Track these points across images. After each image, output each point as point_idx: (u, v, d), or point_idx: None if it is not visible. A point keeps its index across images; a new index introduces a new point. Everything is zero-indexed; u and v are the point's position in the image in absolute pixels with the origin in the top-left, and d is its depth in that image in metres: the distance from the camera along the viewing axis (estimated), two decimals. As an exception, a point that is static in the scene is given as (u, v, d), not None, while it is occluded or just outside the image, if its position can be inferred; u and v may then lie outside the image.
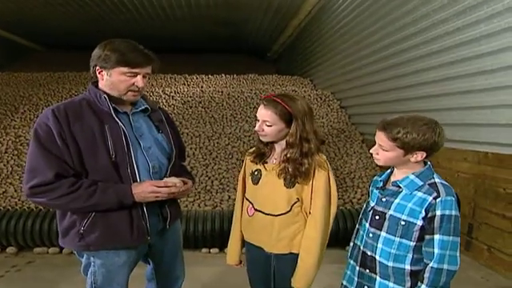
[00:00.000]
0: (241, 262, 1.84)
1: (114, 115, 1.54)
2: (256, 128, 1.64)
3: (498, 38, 3.06)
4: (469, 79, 3.43)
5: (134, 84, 1.56)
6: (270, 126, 1.59)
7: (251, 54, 12.50)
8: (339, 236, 3.38)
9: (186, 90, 6.90)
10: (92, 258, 1.60)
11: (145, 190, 1.51)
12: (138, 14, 8.52)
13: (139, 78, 1.56)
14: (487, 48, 3.17)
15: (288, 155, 1.57)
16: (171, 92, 6.72)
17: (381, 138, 1.38)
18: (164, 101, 6.40)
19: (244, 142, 5.37)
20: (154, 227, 1.64)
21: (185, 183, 1.64)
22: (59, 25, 9.49)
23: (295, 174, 1.56)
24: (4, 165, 4.55)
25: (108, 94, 1.56)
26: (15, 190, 4.14)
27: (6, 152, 4.77)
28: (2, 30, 9.68)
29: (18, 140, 5.01)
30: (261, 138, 1.65)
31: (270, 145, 1.69)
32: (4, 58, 10.36)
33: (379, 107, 5.23)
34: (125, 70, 1.53)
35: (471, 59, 3.37)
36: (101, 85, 1.58)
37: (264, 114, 1.60)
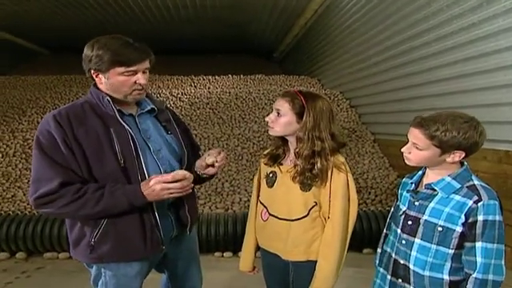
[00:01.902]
0: (254, 267, 1.76)
1: (119, 118, 1.45)
2: (266, 118, 1.59)
3: (517, 31, 2.97)
4: (487, 75, 3.32)
5: (135, 82, 1.46)
6: (281, 116, 1.53)
7: (257, 55, 12.42)
8: (355, 238, 3.27)
9: (193, 91, 6.85)
10: (103, 269, 1.52)
11: (154, 187, 1.37)
12: (143, 15, 8.48)
13: (139, 75, 1.46)
14: (506, 43, 3.06)
15: (297, 150, 1.51)
16: (178, 93, 6.67)
17: (416, 135, 1.29)
18: (171, 102, 6.35)
19: (254, 143, 5.30)
20: (168, 234, 1.56)
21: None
22: (64, 28, 9.47)
23: (308, 174, 1.48)
24: (12, 168, 4.52)
25: (111, 96, 1.46)
26: (24, 194, 4.10)
27: (14, 155, 4.75)
28: (7, 34, 9.68)
29: (26, 143, 4.98)
30: (269, 131, 1.59)
31: (286, 146, 1.61)
32: (10, 62, 10.35)
33: (391, 106, 5.12)
34: (121, 69, 1.42)
35: (489, 55, 3.26)
36: (101, 88, 1.49)
37: (278, 102, 1.56)
